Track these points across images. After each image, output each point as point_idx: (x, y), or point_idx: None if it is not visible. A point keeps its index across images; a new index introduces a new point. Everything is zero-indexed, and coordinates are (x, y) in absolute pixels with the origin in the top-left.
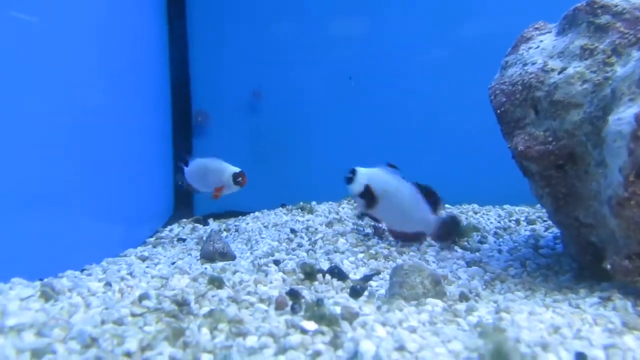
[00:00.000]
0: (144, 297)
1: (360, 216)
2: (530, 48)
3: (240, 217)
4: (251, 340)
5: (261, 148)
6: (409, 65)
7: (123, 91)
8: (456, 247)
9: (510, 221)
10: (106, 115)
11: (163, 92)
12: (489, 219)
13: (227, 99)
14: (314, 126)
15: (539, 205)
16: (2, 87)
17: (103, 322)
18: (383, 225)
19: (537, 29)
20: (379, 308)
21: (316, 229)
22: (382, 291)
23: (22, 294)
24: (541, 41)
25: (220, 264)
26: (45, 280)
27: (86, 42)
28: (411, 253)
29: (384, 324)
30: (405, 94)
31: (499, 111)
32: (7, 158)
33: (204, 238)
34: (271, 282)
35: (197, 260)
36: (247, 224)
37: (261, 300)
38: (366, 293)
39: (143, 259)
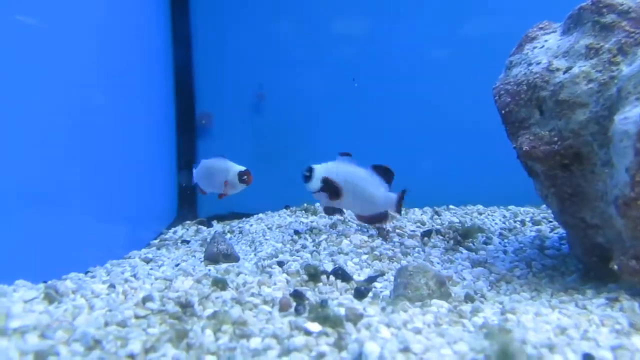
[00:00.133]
0: (147, 299)
1: (327, 211)
2: (534, 48)
3: (244, 218)
4: (255, 342)
5: (265, 149)
6: (411, 65)
7: (127, 93)
8: (461, 248)
9: (515, 222)
10: (110, 117)
11: (167, 93)
12: (493, 220)
13: (230, 100)
14: (318, 127)
15: (544, 206)
16: (9, 88)
17: (107, 324)
18: (387, 226)
19: (541, 28)
20: (383, 309)
21: (320, 230)
22: (387, 292)
23: (26, 296)
24: (546, 41)
25: (224, 266)
26: (49, 282)
27: (89, 43)
28: (415, 254)
29: (388, 325)
30: (408, 94)
31: (503, 111)
32: (12, 160)
33: (208, 240)
34: (275, 284)
35: (201, 262)
36: (251, 225)
37: (265, 302)
38: (370, 294)
39: (147, 261)
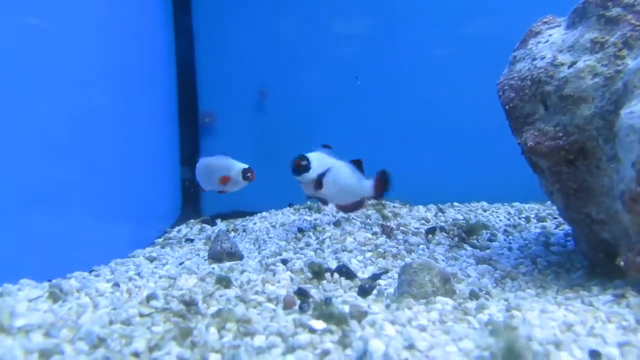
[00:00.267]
0: (151, 297)
1: (310, 198)
2: (539, 42)
3: (247, 217)
4: (259, 340)
5: (267, 147)
6: (415, 62)
7: (129, 92)
8: (465, 245)
9: (520, 218)
10: (112, 116)
11: (170, 92)
12: (498, 217)
13: (233, 99)
14: (320, 125)
15: (549, 202)
16: (14, 87)
17: (111, 323)
18: (391, 224)
19: (545, 23)
20: (388, 307)
21: (324, 228)
22: (391, 290)
23: (31, 295)
24: (550, 35)
25: (228, 264)
26: (54, 281)
27: (91, 41)
28: (420, 252)
29: (393, 323)
30: (411, 92)
31: (507, 107)
32: (16, 160)
33: (212, 238)
34: (279, 282)
35: (205, 260)
36: (255, 223)
37: (269, 300)
38: (375, 292)
39: (151, 259)
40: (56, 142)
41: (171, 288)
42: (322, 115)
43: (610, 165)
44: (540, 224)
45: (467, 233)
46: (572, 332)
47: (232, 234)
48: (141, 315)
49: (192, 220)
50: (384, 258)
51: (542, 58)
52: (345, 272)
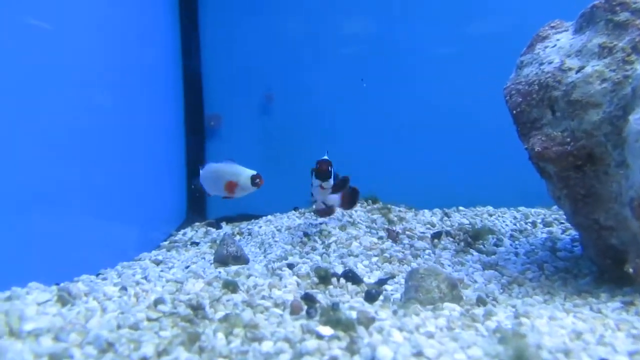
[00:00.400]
0: (159, 301)
1: (321, 212)
2: (546, 47)
3: (252, 220)
4: (267, 346)
5: (273, 151)
6: (421, 65)
7: (136, 95)
8: (471, 250)
9: (526, 223)
10: (119, 120)
11: (176, 95)
12: (504, 221)
13: (239, 102)
14: (327, 128)
15: (555, 207)
16: (19, 90)
17: (119, 327)
18: (398, 228)
19: (553, 27)
20: (395, 313)
21: (329, 232)
22: (398, 295)
23: (39, 298)
24: (558, 40)
25: (234, 268)
26: (62, 284)
27: (100, 48)
28: (426, 256)
29: (400, 329)
30: (417, 95)
31: (514, 112)
32: (24, 163)
33: (218, 241)
34: (285, 286)
35: (211, 264)
36: (260, 227)
37: (276, 305)
38: (381, 297)
39: (157, 262)
40: (65, 147)
41: (178, 292)
42: (327, 118)
43: (619, 171)
44: (547, 229)
45: (473, 238)
46: (582, 340)
47: (238, 237)
48: (149, 319)
49: (197, 223)
50: (390, 263)
51: (550, 63)
52: (352, 277)
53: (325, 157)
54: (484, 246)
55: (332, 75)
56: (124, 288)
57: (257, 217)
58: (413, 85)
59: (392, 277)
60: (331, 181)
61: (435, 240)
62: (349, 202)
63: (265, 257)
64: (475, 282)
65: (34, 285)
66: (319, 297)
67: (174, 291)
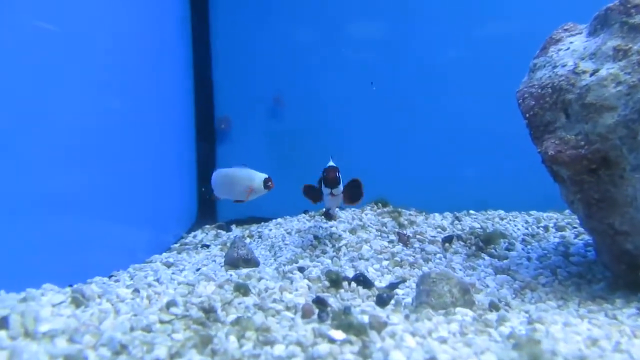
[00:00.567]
0: (171, 304)
1: (330, 216)
2: (559, 50)
3: (262, 223)
4: (279, 349)
5: (283, 154)
6: (432, 68)
7: (147, 98)
8: (483, 254)
9: (538, 227)
10: (131, 122)
11: (187, 98)
12: (515, 226)
13: (249, 105)
14: (336, 131)
15: (567, 211)
16: (32, 92)
17: (132, 329)
18: (408, 232)
19: (566, 30)
20: (407, 317)
21: (340, 235)
22: (409, 299)
23: (54, 300)
24: (571, 43)
25: (244, 271)
26: (75, 286)
27: (113, 52)
28: (437, 261)
29: (413, 334)
30: (428, 98)
31: (528, 115)
32: (37, 166)
33: (228, 244)
34: (296, 290)
35: (222, 266)
36: (270, 230)
37: (287, 308)
38: (393, 301)
39: (168, 265)
40: (77, 149)
41: (190, 295)
42: (337, 122)
43: (635, 175)
44: (559, 233)
45: (484, 242)
46: (598, 347)
47: (248, 240)
48: (161, 322)
49: (207, 226)
50: (401, 267)
51: (563, 66)
52: (363, 280)
53: (331, 164)
54: (496, 250)
55: (342, 79)
56: (136, 290)
57: (266, 220)
58: (423, 89)
59: (404, 281)
60: (341, 187)
61: (447, 244)
62: (351, 196)
63: (275, 260)
64: (487, 286)
65: (48, 286)
66: (330, 300)
67: (186, 294)
